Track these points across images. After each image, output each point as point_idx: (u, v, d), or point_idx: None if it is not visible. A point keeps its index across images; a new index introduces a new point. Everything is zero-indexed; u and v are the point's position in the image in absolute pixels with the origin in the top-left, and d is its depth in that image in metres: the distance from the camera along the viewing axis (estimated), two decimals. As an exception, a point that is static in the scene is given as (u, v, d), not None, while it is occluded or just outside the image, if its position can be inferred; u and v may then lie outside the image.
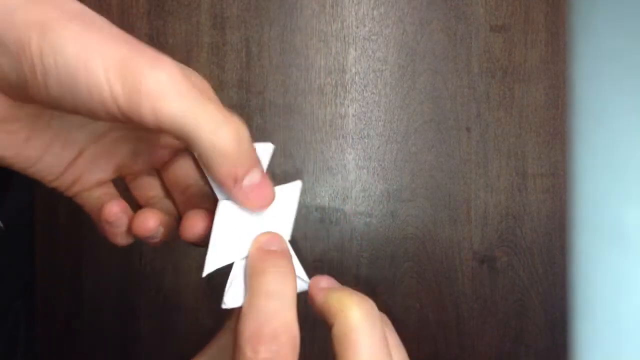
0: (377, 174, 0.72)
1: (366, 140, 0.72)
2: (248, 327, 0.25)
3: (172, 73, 0.23)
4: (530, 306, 0.72)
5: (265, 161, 0.28)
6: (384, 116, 0.72)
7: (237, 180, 0.26)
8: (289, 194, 0.30)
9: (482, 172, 0.72)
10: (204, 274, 0.30)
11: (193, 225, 0.29)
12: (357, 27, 0.72)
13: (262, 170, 0.27)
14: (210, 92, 0.28)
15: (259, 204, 0.27)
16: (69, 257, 0.72)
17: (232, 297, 0.29)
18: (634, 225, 0.20)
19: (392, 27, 0.72)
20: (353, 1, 0.72)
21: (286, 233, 0.29)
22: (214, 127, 0.24)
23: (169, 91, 0.22)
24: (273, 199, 0.28)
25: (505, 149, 0.72)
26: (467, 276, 0.72)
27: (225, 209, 0.28)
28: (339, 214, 0.72)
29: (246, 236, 0.29)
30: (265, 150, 0.29)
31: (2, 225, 0.39)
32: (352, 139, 0.72)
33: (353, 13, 0.72)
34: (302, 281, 0.29)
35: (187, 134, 0.23)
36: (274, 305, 0.26)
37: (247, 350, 0.24)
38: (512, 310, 0.72)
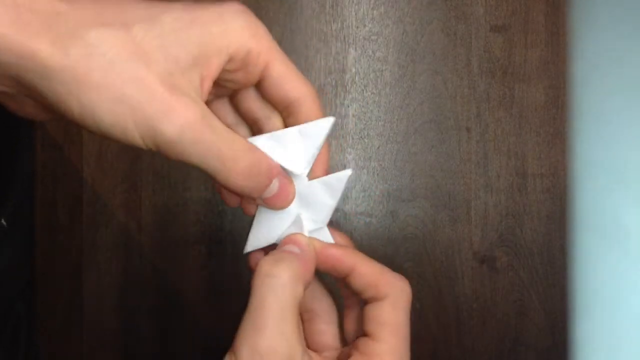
0: (377, 174, 0.72)
1: (366, 140, 0.72)
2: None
3: (186, 123, 0.26)
4: (530, 306, 0.72)
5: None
6: (384, 116, 0.72)
7: (256, 199, 0.31)
8: (334, 183, 0.33)
9: (482, 172, 0.72)
10: (245, 251, 0.34)
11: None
12: (357, 27, 0.72)
13: (281, 176, 0.31)
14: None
15: (279, 207, 0.32)
16: (69, 257, 0.72)
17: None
18: (634, 225, 0.20)
19: (392, 27, 0.72)
20: (353, 1, 0.72)
21: (324, 218, 0.34)
22: (228, 168, 0.28)
23: (187, 145, 0.27)
24: (292, 197, 0.32)
25: (505, 149, 0.72)
26: (467, 276, 0.72)
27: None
28: (338, 214, 0.72)
29: (286, 217, 0.33)
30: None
31: (4, 223, 0.39)
32: (352, 139, 0.72)
33: (353, 13, 0.72)
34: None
35: (209, 174, 0.28)
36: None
37: None
38: (512, 310, 0.72)
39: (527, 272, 0.71)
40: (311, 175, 0.33)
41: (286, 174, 0.32)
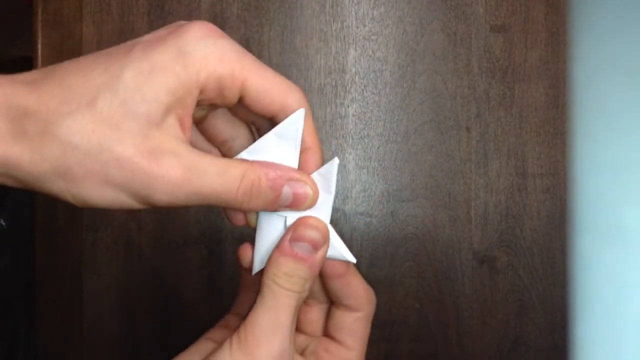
0: (377, 174, 0.72)
1: (366, 140, 0.72)
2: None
3: (175, 186, 0.28)
4: (530, 306, 0.72)
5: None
6: (384, 116, 0.72)
7: (275, 209, 0.31)
8: (325, 174, 0.32)
9: (482, 172, 0.72)
10: (253, 273, 0.34)
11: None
12: (357, 27, 0.72)
13: (292, 181, 0.31)
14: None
15: (304, 209, 0.32)
16: (69, 257, 0.72)
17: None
18: (633, 225, 0.20)
19: (392, 27, 0.72)
20: (353, 1, 0.72)
21: (326, 214, 0.32)
22: (229, 200, 0.29)
23: (183, 200, 0.28)
24: (316, 195, 0.32)
25: (505, 149, 0.72)
26: (467, 276, 0.72)
27: (265, 219, 0.32)
28: (339, 214, 0.72)
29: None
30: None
31: (4, 223, 0.39)
32: (352, 139, 0.72)
33: (353, 13, 0.72)
34: (345, 256, 0.34)
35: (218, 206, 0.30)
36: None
37: None
38: (512, 310, 0.72)
39: (527, 272, 0.71)
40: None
41: (301, 174, 0.31)
